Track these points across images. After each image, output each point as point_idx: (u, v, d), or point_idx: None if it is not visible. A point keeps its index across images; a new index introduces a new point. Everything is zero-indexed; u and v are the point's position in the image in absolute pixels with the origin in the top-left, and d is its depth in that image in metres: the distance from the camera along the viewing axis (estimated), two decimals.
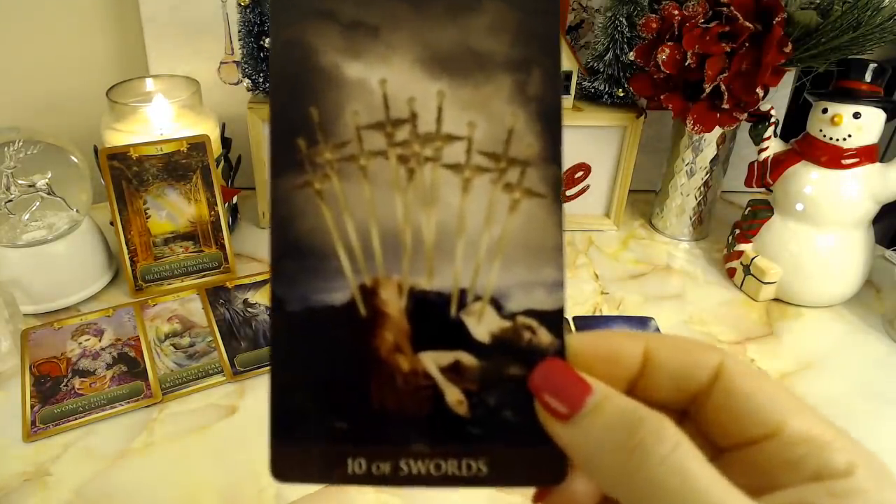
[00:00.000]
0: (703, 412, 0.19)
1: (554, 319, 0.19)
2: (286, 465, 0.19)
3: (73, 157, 0.60)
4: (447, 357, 0.19)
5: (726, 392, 0.18)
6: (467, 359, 0.19)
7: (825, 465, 0.17)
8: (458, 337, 0.19)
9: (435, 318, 0.19)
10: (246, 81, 0.70)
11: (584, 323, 0.62)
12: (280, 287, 0.19)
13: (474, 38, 0.19)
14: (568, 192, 0.78)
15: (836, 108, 0.60)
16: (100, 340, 0.57)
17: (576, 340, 0.19)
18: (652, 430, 0.16)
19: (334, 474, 0.19)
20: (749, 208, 0.70)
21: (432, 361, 0.19)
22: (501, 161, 0.19)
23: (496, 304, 0.19)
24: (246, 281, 0.65)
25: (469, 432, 0.19)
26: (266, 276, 0.66)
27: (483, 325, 0.19)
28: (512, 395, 0.19)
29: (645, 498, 0.16)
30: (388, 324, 0.19)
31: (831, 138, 0.61)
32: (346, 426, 0.19)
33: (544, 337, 0.19)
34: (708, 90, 0.62)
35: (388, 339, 0.19)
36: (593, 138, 0.74)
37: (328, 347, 0.19)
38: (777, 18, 0.58)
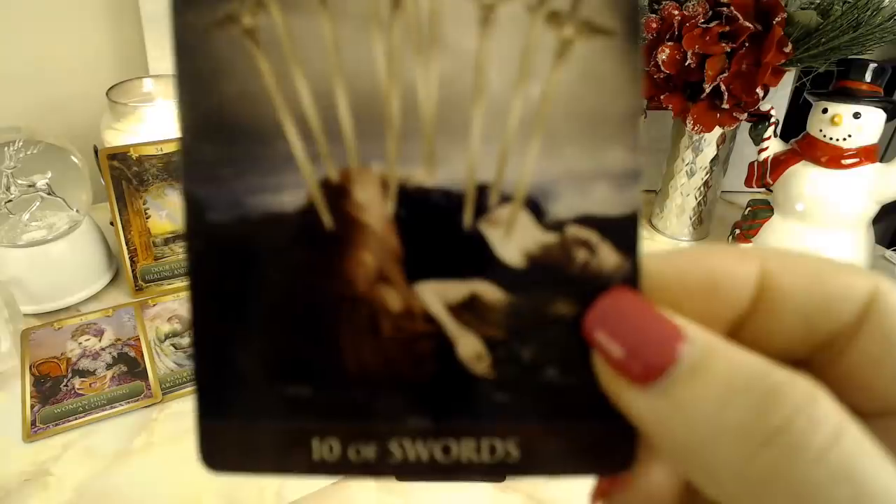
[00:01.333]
0: (841, 362, 0.13)
1: (624, 230, 0.13)
2: (221, 448, 0.14)
3: (73, 157, 0.60)
4: (459, 290, 0.13)
5: (880, 335, 0.12)
6: (491, 292, 0.13)
7: None
8: (477, 259, 0.13)
9: (440, 230, 0.13)
10: None
11: None
12: (196, 184, 0.13)
13: None
14: None
15: (836, 108, 0.60)
16: (100, 340, 0.57)
17: (655, 263, 0.13)
18: (799, 407, 0.11)
19: (292, 461, 0.13)
20: (749, 208, 0.70)
21: (436, 297, 0.13)
22: None
23: (535, 207, 0.13)
24: None
25: (494, 400, 0.13)
26: None
27: (515, 240, 0.13)
28: (557, 346, 0.13)
29: None
30: (367, 240, 0.13)
31: (831, 138, 0.61)
32: (307, 393, 0.13)
33: (608, 257, 0.13)
34: (708, 90, 0.62)
35: (368, 263, 0.13)
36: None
37: (276, 277, 0.13)
38: (777, 18, 0.58)
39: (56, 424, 0.49)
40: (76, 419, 0.49)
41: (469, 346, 0.13)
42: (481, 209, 0.13)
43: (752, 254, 0.13)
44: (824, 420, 0.11)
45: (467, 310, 0.13)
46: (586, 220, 0.13)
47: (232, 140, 0.13)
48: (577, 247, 0.13)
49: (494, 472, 0.14)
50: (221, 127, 0.12)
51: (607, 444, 0.13)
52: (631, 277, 0.13)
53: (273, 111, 0.12)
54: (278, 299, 0.13)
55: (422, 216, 0.13)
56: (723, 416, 0.11)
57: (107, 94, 0.65)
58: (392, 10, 0.12)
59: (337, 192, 0.13)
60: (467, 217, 0.13)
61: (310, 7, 0.12)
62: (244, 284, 0.13)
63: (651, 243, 0.77)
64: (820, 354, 0.13)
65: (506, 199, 0.13)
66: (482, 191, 0.13)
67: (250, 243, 0.13)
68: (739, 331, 0.13)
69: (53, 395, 0.51)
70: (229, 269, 0.13)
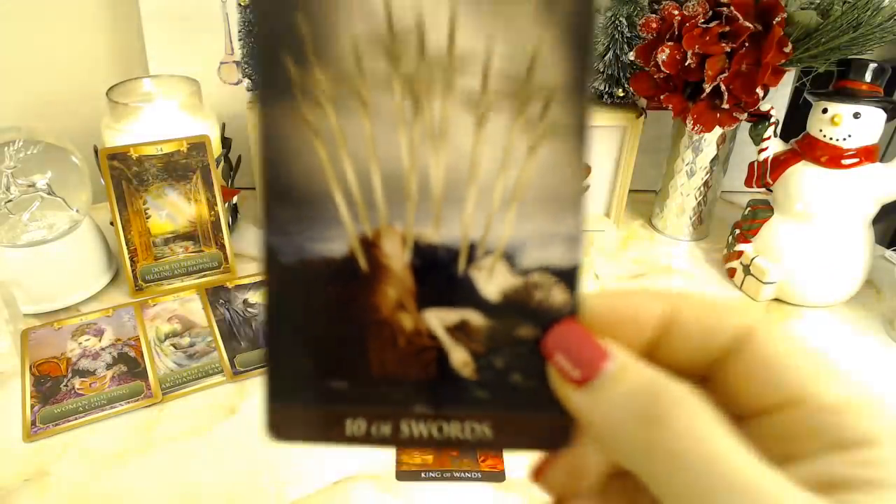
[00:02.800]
0: (724, 378, 0.18)
1: (570, 277, 0.18)
2: (282, 423, 0.18)
3: (73, 157, 0.60)
4: (453, 316, 0.18)
5: (752, 357, 0.17)
6: (475, 318, 0.18)
7: (850, 433, 0.16)
8: (466, 294, 0.18)
9: (441, 273, 0.18)
10: (246, 81, 0.70)
11: None
12: (272, 235, 0.17)
13: None
14: None
15: (836, 108, 0.60)
16: (100, 340, 0.57)
17: (592, 300, 0.18)
18: (674, 400, 0.16)
19: (332, 434, 0.18)
20: (749, 208, 0.70)
21: (437, 320, 0.18)
22: (523, 91, 0.17)
23: (509, 258, 0.18)
24: (246, 281, 0.65)
25: (474, 395, 0.18)
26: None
27: (493, 282, 0.18)
28: (521, 358, 0.18)
29: (665, 472, 0.15)
30: (390, 279, 0.18)
31: (831, 138, 0.61)
32: (344, 386, 0.18)
33: (558, 296, 0.18)
34: (708, 90, 0.62)
35: (391, 295, 0.18)
36: (593, 138, 0.74)
37: (325, 303, 0.18)
38: (777, 18, 0.58)
39: (56, 424, 0.49)
40: (76, 419, 0.49)
41: (459, 357, 0.18)
42: (471, 259, 0.18)
43: (663, 295, 0.18)
44: (689, 408, 0.16)
45: (459, 330, 0.18)
46: (544, 269, 0.18)
47: (298, 205, 0.17)
48: (537, 288, 0.18)
49: (474, 446, 0.18)
50: (291, 195, 0.17)
51: (553, 429, 0.18)
52: (574, 311, 0.18)
53: (327, 184, 0.17)
54: (327, 319, 0.18)
55: (429, 263, 0.18)
56: (629, 406, 0.16)
57: (107, 94, 0.65)
58: (413, 114, 0.17)
59: (370, 245, 0.18)
60: (461, 264, 0.18)
61: (355, 109, 0.17)
62: (304, 307, 0.18)
63: (651, 243, 0.77)
64: (712, 370, 0.18)
65: (488, 252, 0.18)
66: (472, 246, 0.18)
67: (309, 279, 0.18)
68: (653, 350, 0.18)
69: (53, 395, 0.51)
70: (294, 297, 0.18)
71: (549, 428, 0.18)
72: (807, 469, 0.16)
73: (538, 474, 0.19)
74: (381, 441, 0.18)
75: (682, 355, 0.18)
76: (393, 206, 0.17)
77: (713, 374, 0.18)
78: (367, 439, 0.18)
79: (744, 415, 0.17)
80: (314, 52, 0.16)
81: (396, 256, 0.17)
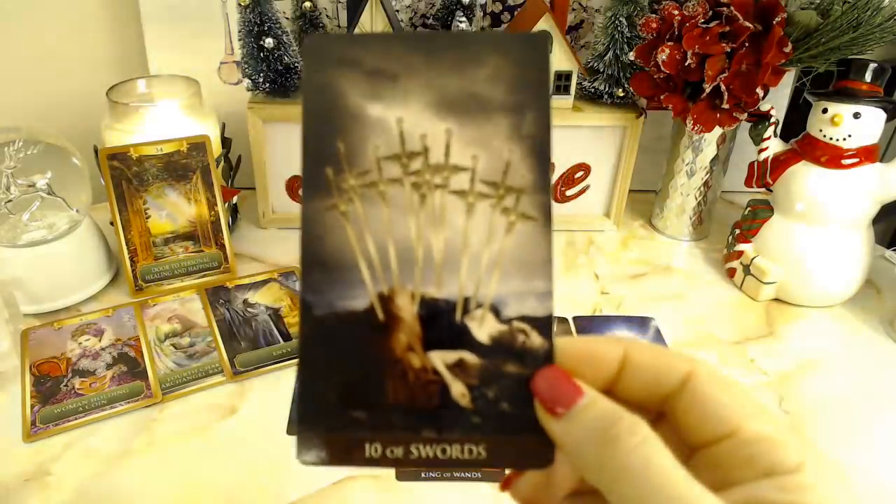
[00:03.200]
0: (674, 413, 0.21)
1: (544, 324, 0.22)
2: (311, 448, 0.22)
3: (73, 157, 0.60)
4: (453, 356, 0.22)
5: (693, 396, 0.21)
6: (470, 358, 0.22)
7: (776, 462, 0.19)
8: (463, 338, 0.22)
9: (443, 322, 0.22)
10: (246, 81, 0.70)
11: (585, 323, 0.62)
12: (309, 294, 0.22)
13: (477, 85, 0.23)
14: (568, 192, 0.78)
15: (836, 108, 0.60)
16: (100, 340, 0.57)
17: (562, 343, 0.22)
18: (626, 425, 0.19)
19: (353, 457, 0.22)
20: (749, 208, 0.70)
21: (440, 360, 0.22)
22: (500, 189, 0.22)
23: (495, 310, 0.22)
24: (246, 281, 0.65)
25: (471, 421, 0.22)
26: (265, 277, 0.65)
27: (484, 328, 0.22)
28: (508, 390, 0.22)
29: (616, 481, 0.19)
30: (402, 327, 0.22)
31: (831, 138, 0.61)
32: (364, 416, 0.22)
33: (536, 340, 0.22)
34: (708, 90, 0.62)
35: (402, 340, 0.22)
36: (593, 138, 0.74)
37: (350, 347, 0.22)
38: (777, 18, 0.58)
39: (56, 424, 0.49)
40: (76, 419, 0.49)
41: (458, 389, 0.22)
42: (466, 311, 0.22)
43: (620, 342, 0.22)
44: (638, 432, 0.19)
45: (457, 368, 0.22)
46: (524, 319, 0.22)
47: (330, 271, 0.22)
48: (518, 333, 0.22)
49: (472, 465, 0.22)
50: (325, 263, 0.22)
51: (537, 449, 0.22)
52: (549, 352, 0.22)
53: (354, 255, 0.22)
54: (350, 359, 0.22)
55: (433, 314, 0.22)
56: (593, 430, 0.20)
57: (107, 94, 0.65)
58: (420, 205, 0.22)
59: (387, 300, 0.22)
60: (458, 315, 0.22)
61: (376, 201, 0.22)
62: (332, 350, 0.22)
63: (651, 243, 0.77)
64: (664, 406, 0.22)
65: (479, 305, 0.22)
66: (466, 301, 0.22)
67: (337, 327, 0.22)
68: (613, 388, 0.22)
69: (53, 395, 0.51)
70: (324, 342, 0.22)
71: (534, 448, 0.22)
72: (740, 493, 0.19)
73: (506, 485, 0.24)
74: (395, 462, 0.22)
75: (636, 392, 0.22)
76: (404, 270, 0.22)
77: (665, 409, 0.22)
78: (382, 461, 0.22)
79: (693, 446, 0.21)
80: (347, 162, 0.22)
81: (407, 309, 0.22)
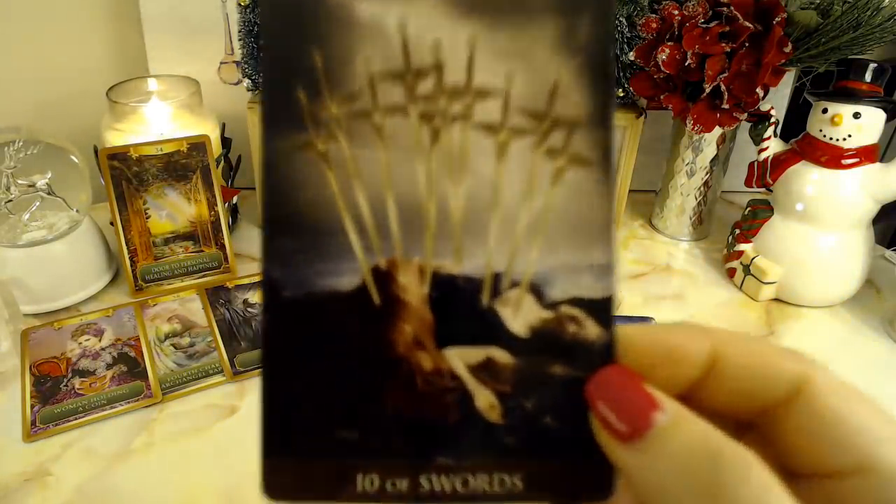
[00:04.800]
0: (777, 430, 0.16)
1: (603, 309, 0.16)
2: (281, 481, 0.16)
3: (73, 157, 0.60)
4: (477, 354, 0.16)
5: (809, 412, 0.15)
6: (501, 356, 0.16)
7: None
8: (491, 330, 0.16)
9: (463, 307, 0.16)
10: (246, 81, 0.70)
11: None
12: (274, 268, 0.16)
13: None
14: None
15: (836, 108, 0.60)
16: (100, 340, 0.57)
17: (629, 335, 0.16)
18: (737, 466, 0.14)
19: (341, 492, 0.16)
20: (749, 208, 0.70)
21: (460, 359, 0.16)
22: (544, 121, 0.16)
23: (536, 291, 0.16)
24: (246, 281, 0.65)
25: (502, 442, 0.16)
26: None
27: (520, 316, 0.16)
28: (554, 399, 0.16)
29: None
30: (406, 314, 0.16)
31: (831, 138, 0.61)
32: (355, 436, 0.16)
33: (591, 330, 0.16)
34: (708, 90, 0.62)
35: (407, 332, 0.16)
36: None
37: (334, 342, 0.16)
38: (777, 18, 0.58)
39: (56, 424, 0.49)
40: (76, 419, 0.49)
41: (484, 399, 0.16)
42: (496, 292, 0.17)
43: (706, 333, 0.16)
44: (756, 480, 0.14)
45: (483, 370, 0.17)
46: (575, 301, 0.17)
47: (303, 235, 0.16)
48: (568, 321, 0.17)
49: (504, 500, 0.17)
50: (296, 225, 0.16)
51: (592, 476, 0.16)
52: (609, 346, 0.16)
53: (337, 214, 0.16)
54: (335, 360, 0.16)
55: (450, 296, 0.16)
56: (683, 470, 0.14)
57: (107, 94, 0.65)
58: (431, 144, 0.16)
59: (385, 277, 0.16)
60: (485, 298, 0.17)
61: (369, 138, 0.16)
62: (308, 346, 0.16)
63: (651, 243, 0.77)
64: (759, 420, 0.17)
65: (514, 284, 0.16)
66: (496, 278, 0.16)
67: (315, 315, 0.16)
68: (692, 393, 0.16)
69: (53, 395, 0.51)
70: (298, 335, 0.16)
71: (588, 476, 0.16)
72: None
73: None
74: (398, 498, 0.16)
75: (725, 401, 0.16)
76: (409, 236, 0.16)
77: (762, 423, 0.16)
78: (381, 496, 0.16)
79: (796, 472, 0.16)
80: (328, 83, 0.16)
81: (413, 289, 0.16)
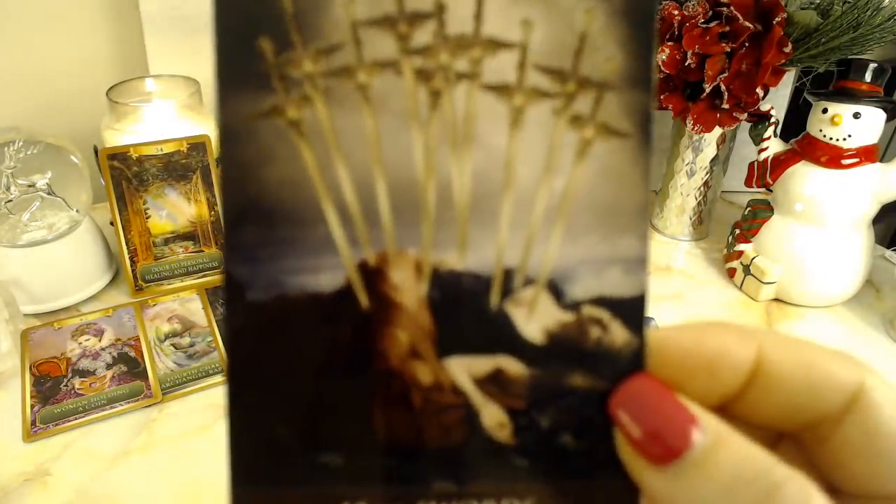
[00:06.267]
0: (823, 444, 0.14)
1: (632, 310, 0.14)
2: None
3: (73, 157, 0.60)
4: (485, 364, 0.14)
5: (864, 427, 0.13)
6: (513, 366, 0.14)
7: None
8: (502, 336, 0.14)
9: (468, 310, 0.14)
10: None
11: None
12: (237, 265, 0.13)
13: None
14: None
15: (836, 108, 0.60)
16: (100, 340, 0.57)
17: (662, 339, 0.14)
18: (788, 494, 0.12)
19: None
20: (749, 208, 0.70)
21: (464, 371, 0.14)
22: (569, 81, 0.13)
23: (555, 289, 0.14)
24: None
25: (514, 464, 0.14)
26: None
27: (536, 319, 0.14)
28: (572, 415, 0.14)
29: None
30: (400, 319, 0.14)
31: (831, 138, 0.61)
32: (339, 461, 0.14)
33: (619, 335, 0.14)
34: (708, 90, 0.62)
35: (402, 340, 0.14)
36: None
37: (312, 353, 0.14)
38: (777, 18, 0.58)
39: (56, 424, 0.49)
40: (76, 419, 0.49)
41: (493, 416, 0.14)
42: (507, 291, 0.14)
43: (750, 336, 0.14)
44: None
45: (492, 382, 0.14)
46: (600, 301, 0.14)
47: (272, 223, 0.13)
48: (591, 324, 0.14)
49: None
50: (263, 210, 0.13)
51: (614, 501, 0.15)
52: (639, 353, 0.14)
53: (314, 197, 0.13)
54: (314, 374, 0.14)
55: (453, 297, 0.14)
56: (728, 500, 0.12)
57: (107, 94, 0.65)
58: (430, 109, 0.13)
59: (374, 274, 0.14)
60: (494, 298, 0.14)
61: (353, 102, 0.13)
62: (281, 359, 0.14)
63: (652, 243, 0.77)
64: (806, 433, 0.15)
65: (529, 281, 0.14)
66: (508, 274, 0.14)
67: (289, 321, 0.14)
68: (731, 403, 0.14)
69: (53, 395, 0.51)
70: (267, 345, 0.14)
71: (610, 499, 0.14)
72: None
73: None
74: None
75: (767, 412, 0.14)
76: (403, 224, 0.14)
77: (808, 438, 0.15)
78: None
79: (840, 489, 0.14)
80: (298, 31, 0.13)
81: (409, 289, 0.14)
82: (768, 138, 0.66)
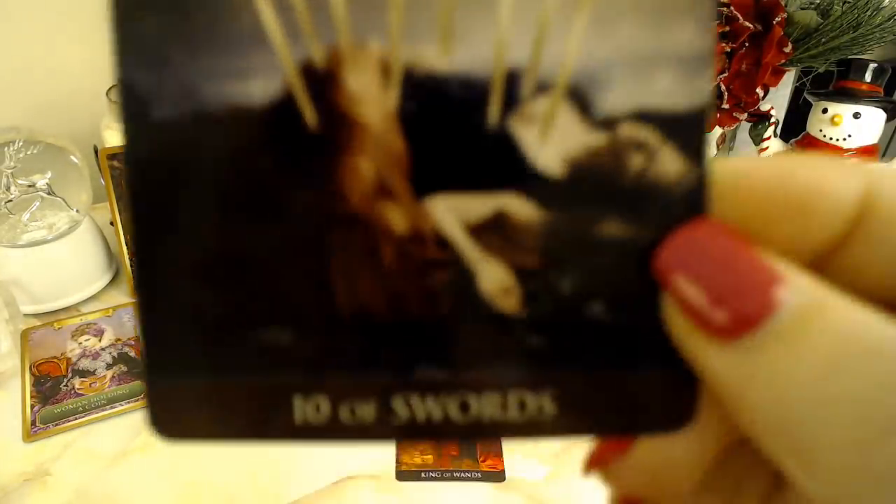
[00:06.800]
0: None
1: (690, 129, 0.10)
2: (177, 412, 0.11)
3: (73, 157, 0.60)
4: (482, 206, 0.10)
5: None
6: (522, 209, 0.10)
7: None
8: (505, 166, 0.10)
9: (457, 128, 0.10)
10: None
11: None
12: (134, 69, 0.10)
13: None
14: None
15: (836, 108, 0.60)
16: (100, 340, 0.57)
17: (734, 171, 0.10)
18: None
19: (269, 425, 0.11)
20: None
21: (453, 215, 0.10)
22: None
23: (579, 98, 0.10)
24: None
25: (524, 344, 0.11)
26: None
27: (554, 141, 0.10)
28: (605, 276, 0.10)
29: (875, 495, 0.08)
30: (362, 142, 0.10)
31: (831, 138, 0.61)
32: (288, 340, 0.10)
33: (671, 164, 0.10)
34: None
35: (364, 173, 0.10)
36: None
37: (244, 194, 0.10)
38: (777, 18, 0.58)
39: (56, 424, 0.49)
40: (76, 419, 0.49)
41: (494, 277, 0.10)
42: (511, 101, 0.10)
43: (857, 169, 0.10)
44: None
45: (492, 231, 0.10)
46: (645, 116, 0.10)
47: (183, 8, 0.09)
48: (632, 150, 0.10)
49: (523, 432, 0.11)
50: None
51: (663, 397, 0.11)
52: (698, 190, 0.10)
53: None
54: (247, 222, 0.10)
55: (435, 110, 0.10)
56: (835, 388, 0.08)
57: (107, 94, 0.65)
58: None
59: (323, 79, 0.10)
60: (493, 111, 0.10)
61: None
62: (202, 204, 0.10)
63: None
64: None
65: (543, 87, 0.10)
66: (513, 77, 0.10)
67: (208, 148, 0.10)
68: (824, 261, 0.10)
69: (53, 395, 0.51)
70: (182, 184, 0.10)
71: (656, 395, 0.11)
72: None
73: (597, 461, 0.12)
74: (359, 432, 0.11)
75: (874, 274, 0.10)
76: (362, 5, 0.09)
77: None
78: (332, 429, 0.11)
79: None
80: None
81: (372, 100, 0.10)
82: (768, 138, 0.66)
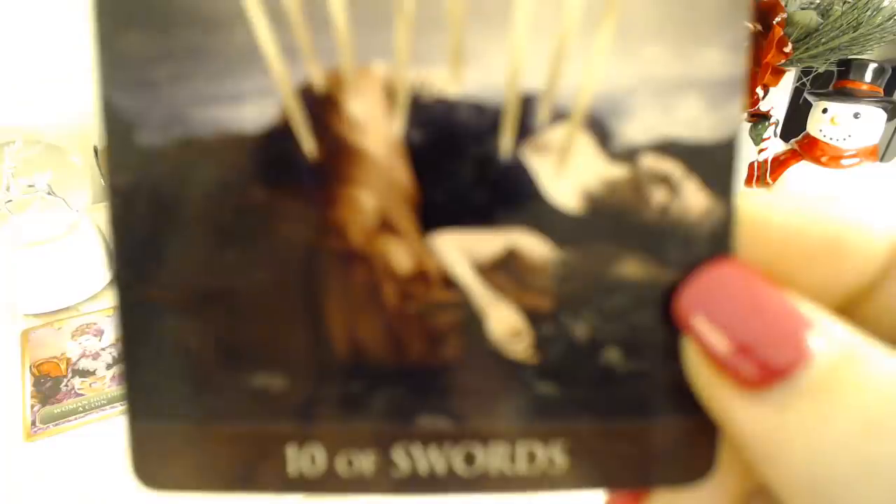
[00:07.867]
0: None
1: (718, 162, 0.09)
2: (161, 459, 0.10)
3: (73, 157, 0.60)
4: (492, 243, 0.10)
5: None
6: (534, 246, 0.10)
7: None
8: (518, 200, 0.10)
9: (468, 157, 0.09)
10: None
11: None
12: (118, 91, 0.09)
13: None
14: None
15: (836, 108, 0.60)
16: (100, 340, 0.57)
17: (762, 208, 0.10)
18: None
19: (259, 476, 0.10)
20: None
21: (461, 253, 0.10)
22: None
23: (599, 127, 0.09)
24: None
25: (534, 392, 0.10)
26: None
27: (570, 173, 0.10)
28: (622, 320, 0.10)
29: None
30: (363, 173, 0.09)
31: (831, 138, 0.61)
32: (281, 385, 0.10)
33: (695, 200, 0.09)
34: None
35: (366, 206, 0.09)
36: None
37: (237, 228, 0.09)
38: (777, 18, 0.58)
39: (56, 424, 0.49)
40: (76, 419, 0.49)
41: (504, 321, 0.10)
42: (526, 129, 0.09)
43: (890, 210, 0.09)
44: None
45: (502, 270, 0.10)
46: (668, 147, 0.09)
47: (170, 26, 0.09)
48: (653, 184, 0.10)
49: (533, 485, 0.10)
50: (155, 7, 0.09)
51: (682, 448, 0.10)
52: (724, 228, 0.09)
53: None
54: (238, 258, 0.09)
55: (443, 139, 0.09)
56: (876, 449, 0.08)
57: None
58: None
59: (322, 104, 0.09)
60: (506, 140, 0.09)
61: None
62: (189, 238, 0.09)
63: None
64: None
65: (560, 115, 0.09)
66: (528, 103, 0.09)
67: (198, 177, 0.09)
68: (854, 306, 0.10)
69: (53, 395, 0.51)
70: (168, 216, 0.09)
71: (674, 447, 0.10)
72: None
73: None
74: (356, 486, 0.10)
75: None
76: (366, 25, 0.09)
77: None
78: (327, 483, 0.10)
79: None
80: None
81: (376, 127, 0.09)
82: (768, 138, 0.66)
